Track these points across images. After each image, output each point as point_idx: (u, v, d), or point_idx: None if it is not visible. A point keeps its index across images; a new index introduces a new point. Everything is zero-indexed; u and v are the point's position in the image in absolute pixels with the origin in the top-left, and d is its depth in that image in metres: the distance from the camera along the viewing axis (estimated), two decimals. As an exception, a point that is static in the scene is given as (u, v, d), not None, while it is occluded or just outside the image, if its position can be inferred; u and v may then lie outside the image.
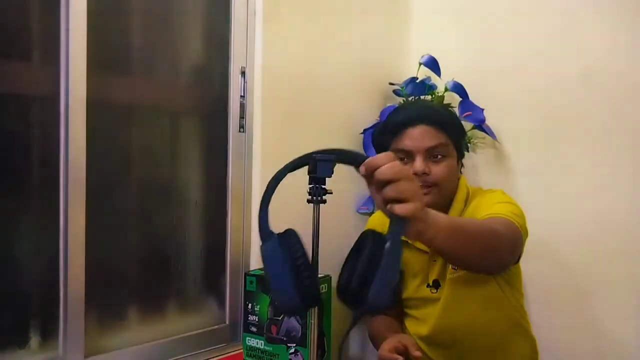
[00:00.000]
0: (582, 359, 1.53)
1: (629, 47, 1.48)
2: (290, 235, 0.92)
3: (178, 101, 1.38)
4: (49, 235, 1.13)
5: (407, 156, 1.21)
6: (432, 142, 1.20)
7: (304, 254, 0.90)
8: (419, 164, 1.19)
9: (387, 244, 0.92)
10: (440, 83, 1.74)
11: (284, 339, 1.26)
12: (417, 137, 1.20)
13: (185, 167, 1.39)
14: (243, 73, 1.45)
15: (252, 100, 1.46)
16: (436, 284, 1.26)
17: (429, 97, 1.75)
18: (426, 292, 1.27)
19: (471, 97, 1.68)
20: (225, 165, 1.44)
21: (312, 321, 0.96)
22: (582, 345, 1.52)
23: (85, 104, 1.14)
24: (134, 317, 1.30)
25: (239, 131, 1.45)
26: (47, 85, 1.12)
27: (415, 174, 1.17)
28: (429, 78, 1.76)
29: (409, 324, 1.36)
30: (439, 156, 1.21)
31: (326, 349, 1.34)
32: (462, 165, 1.35)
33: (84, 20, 1.13)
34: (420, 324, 1.30)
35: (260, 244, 0.87)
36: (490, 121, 1.67)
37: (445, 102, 1.72)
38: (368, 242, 0.94)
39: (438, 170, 1.20)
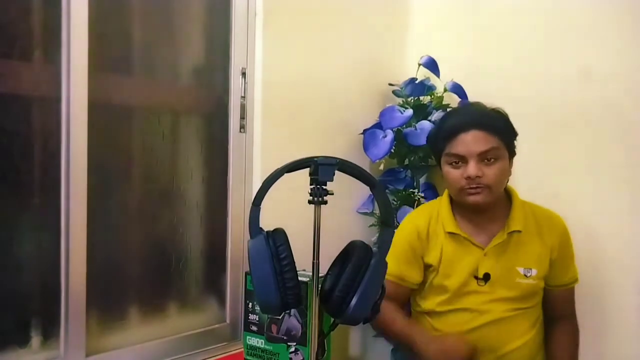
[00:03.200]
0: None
1: (629, 46, 1.49)
2: (278, 235, 0.92)
3: (179, 102, 1.39)
4: (51, 235, 1.13)
5: (460, 160, 1.26)
6: (484, 147, 1.24)
7: (289, 255, 0.91)
8: (472, 168, 1.23)
9: (373, 260, 0.93)
10: (440, 84, 1.75)
11: (285, 337, 1.27)
12: (470, 142, 1.24)
13: (186, 167, 1.40)
14: (243, 74, 1.45)
15: (253, 100, 1.46)
16: (487, 277, 1.29)
17: (427, 98, 1.76)
18: (472, 284, 1.30)
19: (470, 98, 1.69)
20: (225, 165, 1.45)
21: (313, 320, 0.97)
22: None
23: (87, 104, 1.15)
24: (135, 316, 1.30)
25: (240, 131, 1.46)
26: (48, 85, 1.12)
27: (469, 177, 1.23)
28: (428, 79, 1.77)
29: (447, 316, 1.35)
30: (491, 159, 1.25)
31: (326, 348, 1.35)
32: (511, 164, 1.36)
33: (85, 20, 1.13)
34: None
35: (249, 239, 0.89)
36: (489, 122, 1.67)
37: (444, 102, 1.73)
38: (355, 253, 0.95)
39: (490, 172, 1.24)
